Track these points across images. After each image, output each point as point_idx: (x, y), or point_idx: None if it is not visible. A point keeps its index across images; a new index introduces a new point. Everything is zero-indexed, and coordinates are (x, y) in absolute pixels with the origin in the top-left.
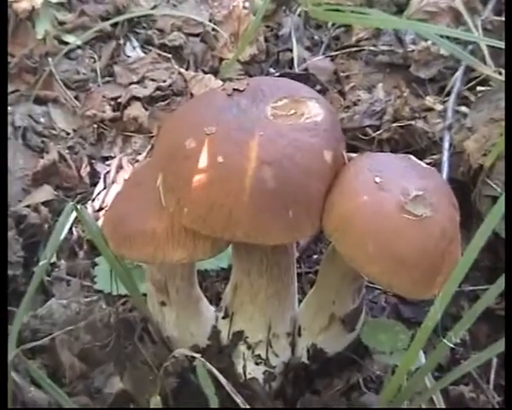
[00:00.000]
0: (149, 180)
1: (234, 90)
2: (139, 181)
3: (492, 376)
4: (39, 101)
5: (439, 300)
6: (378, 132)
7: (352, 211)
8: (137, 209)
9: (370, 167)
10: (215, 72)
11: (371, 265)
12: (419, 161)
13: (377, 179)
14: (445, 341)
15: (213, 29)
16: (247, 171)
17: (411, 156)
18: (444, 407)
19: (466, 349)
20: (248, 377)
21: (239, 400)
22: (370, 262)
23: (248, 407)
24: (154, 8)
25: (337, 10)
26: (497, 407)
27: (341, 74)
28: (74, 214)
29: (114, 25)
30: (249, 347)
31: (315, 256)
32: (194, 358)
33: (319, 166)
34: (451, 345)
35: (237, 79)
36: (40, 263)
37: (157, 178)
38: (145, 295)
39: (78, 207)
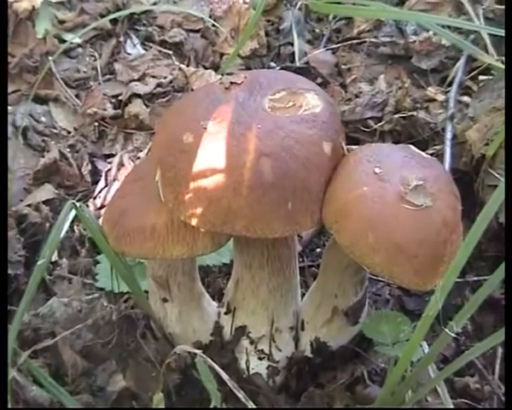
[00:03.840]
0: (148, 176)
1: (231, 83)
2: (138, 177)
3: (497, 366)
4: (40, 100)
5: (439, 289)
6: (380, 124)
7: (351, 202)
8: (136, 205)
9: (370, 158)
10: (216, 67)
11: (372, 255)
12: (419, 151)
13: (377, 170)
14: (446, 330)
15: (214, 24)
16: (245, 163)
17: (411, 146)
18: (448, 397)
19: (471, 340)
20: (252, 372)
21: (241, 395)
22: (371, 253)
23: (251, 402)
24: (154, 4)
25: (338, 3)
26: (502, 397)
27: (343, 67)
28: (75, 213)
29: (114, 22)
30: (252, 342)
31: (318, 250)
32: (196, 354)
33: (318, 157)
34: (453, 335)
35: None
36: (39, 262)
37: (155, 174)
38: (147, 291)
39: (78, 204)
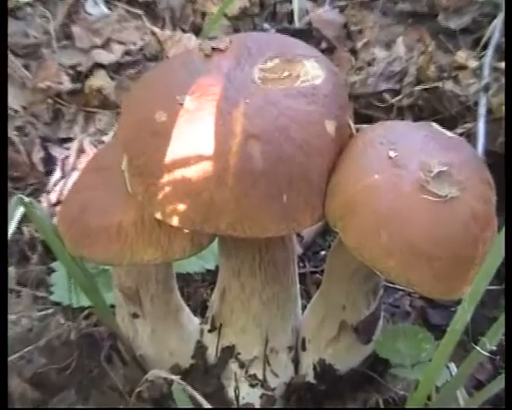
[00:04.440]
0: (113, 164)
1: (213, 49)
2: (100, 165)
3: None
4: None
5: (468, 297)
6: (398, 98)
7: (360, 193)
8: (99, 200)
9: (383, 139)
10: (197, 30)
11: (385, 258)
12: (443, 130)
13: (391, 154)
14: (478, 348)
15: None
16: (230, 147)
17: (433, 124)
18: None
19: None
20: (242, 402)
21: None
22: (383, 255)
23: None
24: None
25: None
26: None
27: (352, 28)
28: (24, 210)
29: None
30: (242, 365)
31: (322, 253)
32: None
33: (319, 139)
34: (486, 354)
35: None
36: None
37: (122, 161)
38: (113, 306)
39: (28, 200)
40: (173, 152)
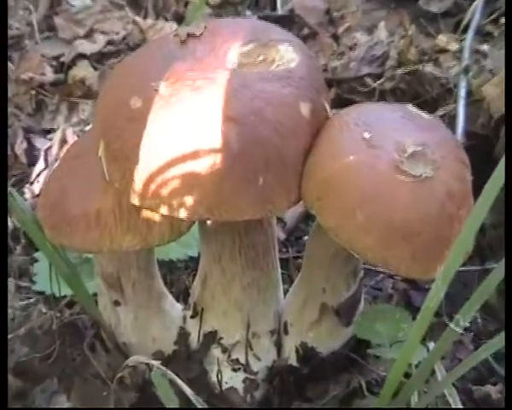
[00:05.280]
0: (90, 151)
1: (188, 35)
2: (79, 152)
3: None
4: None
5: (441, 275)
6: (379, 82)
7: (336, 174)
8: (77, 187)
9: (358, 121)
10: (180, 19)
11: (361, 238)
12: (418, 111)
13: (366, 135)
14: (451, 325)
15: None
16: (206, 131)
17: (408, 105)
18: (459, 404)
19: None
20: (225, 386)
21: None
22: (360, 235)
23: None
24: None
25: None
26: None
27: (335, 14)
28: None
29: None
30: (224, 350)
31: (305, 238)
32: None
33: (295, 121)
34: (461, 331)
35: None
36: None
37: (99, 148)
38: (95, 294)
39: (9, 190)
40: (148, 137)
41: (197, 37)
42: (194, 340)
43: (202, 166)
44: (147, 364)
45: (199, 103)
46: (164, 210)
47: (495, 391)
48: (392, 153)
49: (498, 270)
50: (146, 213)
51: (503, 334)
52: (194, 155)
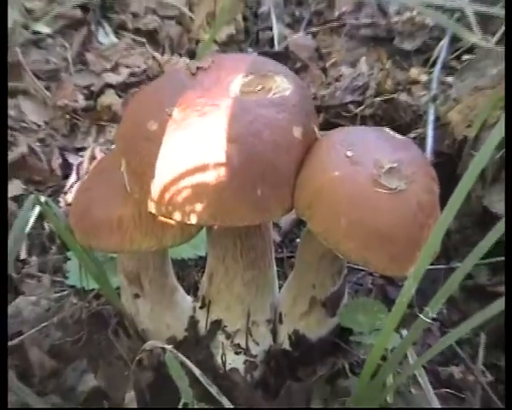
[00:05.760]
0: (114, 166)
1: (197, 68)
2: (104, 168)
3: (480, 355)
4: (9, 93)
5: (412, 273)
6: (361, 108)
7: (323, 187)
8: (102, 197)
9: (342, 142)
10: (192, 54)
11: (345, 242)
12: (393, 133)
13: (349, 153)
14: (421, 316)
15: (189, 10)
16: (212, 150)
17: (386, 129)
18: (428, 384)
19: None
20: (228, 367)
21: (214, 391)
22: (344, 239)
23: (225, 398)
24: None
25: None
26: (485, 385)
27: (323, 51)
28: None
29: (86, 11)
30: (228, 336)
31: (297, 240)
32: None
33: (288, 142)
34: (429, 320)
35: None
36: None
37: (121, 163)
38: (118, 288)
39: (43, 199)
40: (163, 155)
41: (205, 69)
42: (202, 327)
43: (208, 179)
44: (162, 348)
45: (206, 126)
46: (175, 216)
47: (457, 371)
48: (372, 169)
49: (461, 268)
50: (161, 220)
51: (465, 323)
52: (202, 170)
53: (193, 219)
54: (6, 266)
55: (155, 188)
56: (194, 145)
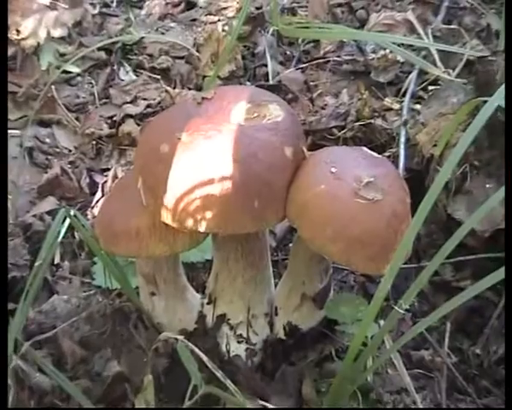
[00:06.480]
0: (132, 183)
1: (203, 98)
2: (123, 185)
3: (446, 340)
4: (44, 123)
5: (387, 271)
6: (343, 132)
7: (310, 199)
8: (122, 210)
9: (327, 160)
10: (199, 88)
11: (330, 246)
12: (371, 152)
13: (333, 170)
14: (396, 307)
15: (197, 51)
16: (216, 169)
17: (364, 148)
18: (402, 365)
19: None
20: (232, 354)
21: (219, 374)
22: (329, 244)
23: (229, 380)
24: (144, 36)
25: (306, 27)
26: (450, 366)
27: (311, 83)
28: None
29: (109, 53)
30: (231, 327)
31: (290, 245)
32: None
33: (280, 161)
34: (402, 311)
35: None
36: (36, 263)
37: (138, 181)
38: (137, 287)
39: (72, 212)
40: (173, 173)
41: (209, 99)
42: (209, 321)
43: (212, 194)
44: (175, 338)
45: (210, 148)
46: (186, 225)
47: (427, 354)
48: (352, 183)
49: (429, 267)
50: (172, 229)
51: (433, 313)
52: (207, 186)
53: (202, 227)
54: (6, 266)
55: (167, 202)
56: (201, 164)
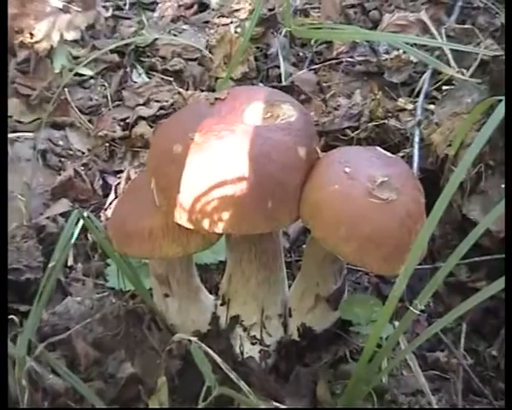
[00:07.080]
0: (145, 184)
1: (216, 99)
2: (136, 186)
3: (462, 341)
4: (58, 126)
5: (402, 272)
6: (356, 132)
7: (324, 199)
8: (135, 211)
9: (340, 160)
10: (211, 90)
11: (344, 246)
12: (385, 152)
13: (346, 170)
14: (411, 308)
15: (209, 52)
16: (229, 169)
17: (377, 147)
18: (417, 367)
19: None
20: (245, 356)
21: (233, 376)
22: (343, 244)
23: (243, 382)
24: (156, 39)
25: (318, 28)
26: (466, 367)
27: (323, 84)
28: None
29: (122, 56)
30: (245, 329)
31: (304, 246)
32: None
33: (294, 161)
34: (417, 312)
35: None
36: (49, 265)
37: (151, 182)
38: (150, 289)
39: (86, 214)
40: (186, 174)
41: (222, 100)
42: (223, 322)
43: (226, 194)
44: (188, 339)
45: (223, 148)
46: (197, 227)
47: (442, 356)
48: (366, 183)
49: (444, 267)
50: (186, 229)
51: (448, 314)
52: (220, 187)
53: (213, 229)
54: (6, 266)
55: (180, 202)
56: (213, 164)
